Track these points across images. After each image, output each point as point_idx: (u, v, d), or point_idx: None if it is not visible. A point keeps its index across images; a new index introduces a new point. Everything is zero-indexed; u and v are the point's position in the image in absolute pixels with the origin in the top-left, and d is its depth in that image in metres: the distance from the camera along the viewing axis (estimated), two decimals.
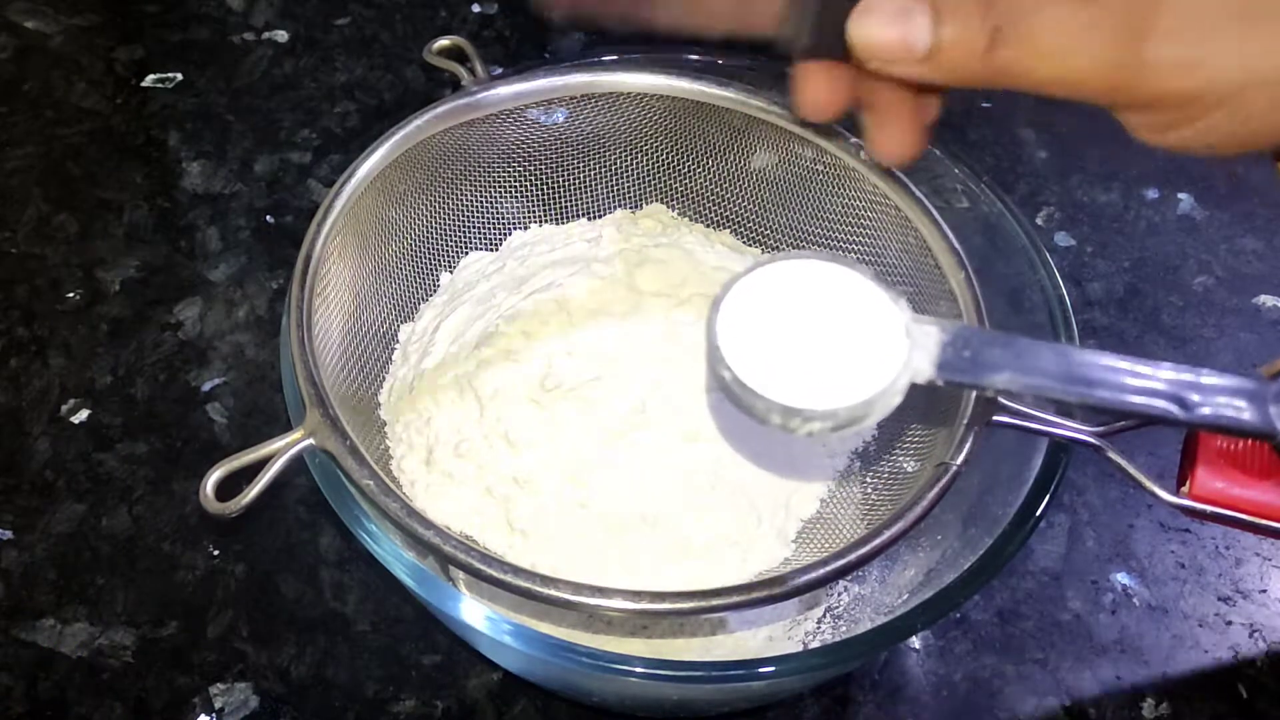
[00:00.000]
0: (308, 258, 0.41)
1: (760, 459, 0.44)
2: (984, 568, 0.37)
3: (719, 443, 0.44)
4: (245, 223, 0.61)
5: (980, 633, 0.48)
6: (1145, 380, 0.30)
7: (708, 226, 0.52)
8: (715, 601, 0.35)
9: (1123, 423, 0.38)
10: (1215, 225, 0.63)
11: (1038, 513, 0.38)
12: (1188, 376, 0.30)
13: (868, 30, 0.31)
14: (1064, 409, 0.40)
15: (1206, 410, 0.30)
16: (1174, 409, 0.30)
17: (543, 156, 0.50)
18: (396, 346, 0.48)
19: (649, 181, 0.51)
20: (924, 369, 0.31)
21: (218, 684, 0.46)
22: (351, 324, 0.44)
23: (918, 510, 0.37)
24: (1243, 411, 0.29)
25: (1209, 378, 0.30)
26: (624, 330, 0.44)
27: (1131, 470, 0.37)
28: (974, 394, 0.39)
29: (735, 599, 0.35)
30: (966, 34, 0.30)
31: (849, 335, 0.31)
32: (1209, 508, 0.35)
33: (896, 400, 0.31)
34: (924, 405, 0.45)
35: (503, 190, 0.50)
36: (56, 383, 0.54)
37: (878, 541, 0.36)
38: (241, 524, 0.50)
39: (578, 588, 0.35)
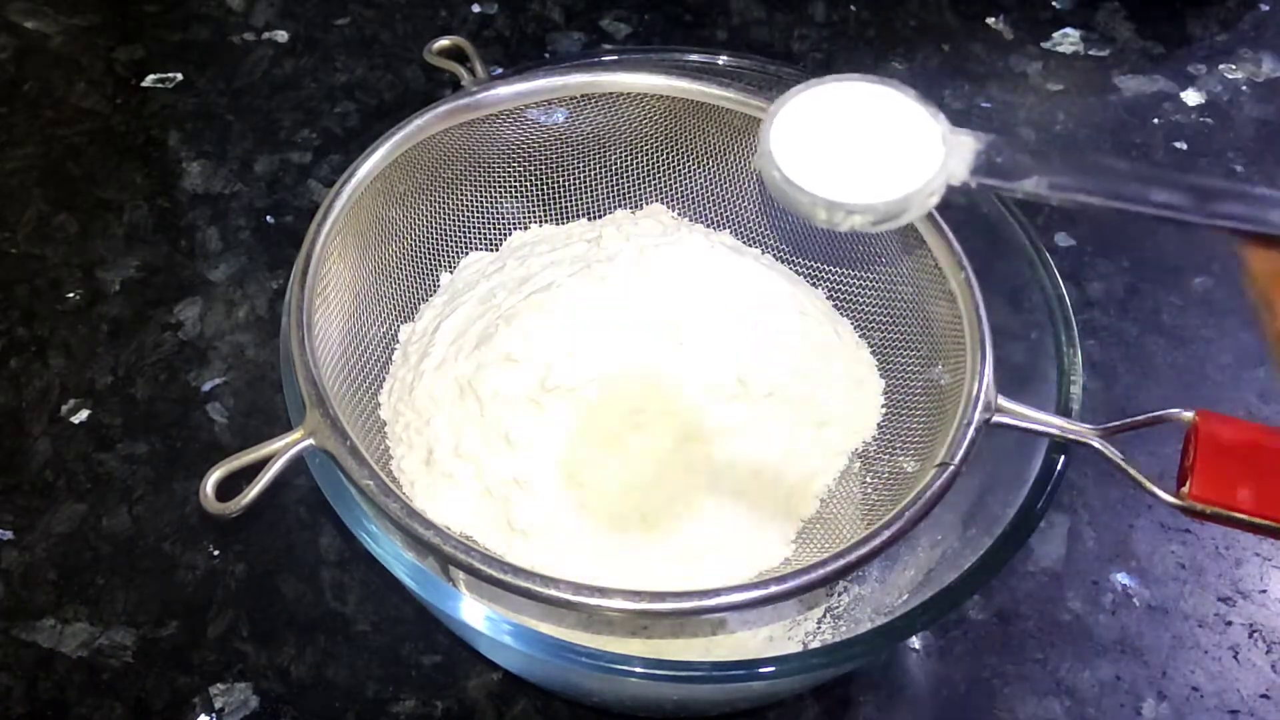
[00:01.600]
0: (308, 258, 0.41)
1: (759, 459, 0.44)
2: (984, 568, 0.37)
3: (719, 443, 0.44)
4: (245, 223, 0.61)
5: (980, 633, 0.48)
6: (1165, 183, 0.32)
7: (708, 226, 0.52)
8: (715, 601, 0.35)
9: (1122, 423, 0.38)
10: None
11: (1038, 513, 0.38)
12: (1207, 182, 0.32)
13: None
14: (1063, 407, 0.40)
15: (1221, 208, 0.32)
16: (1191, 207, 0.32)
17: (543, 156, 0.50)
18: (396, 346, 0.48)
19: (649, 181, 0.51)
20: (959, 172, 0.33)
21: (218, 684, 0.46)
22: (351, 324, 0.45)
23: (918, 510, 0.37)
24: (1254, 213, 0.32)
25: (1225, 183, 0.32)
26: (624, 330, 0.44)
27: (1131, 470, 0.37)
28: (974, 390, 0.39)
29: (735, 599, 0.35)
30: None
31: (890, 143, 0.34)
32: (1209, 508, 0.35)
33: (933, 201, 0.33)
34: (923, 405, 0.45)
35: (503, 190, 0.50)
36: (56, 383, 0.54)
37: (878, 541, 0.36)
38: (241, 524, 0.50)
39: (578, 588, 0.35)
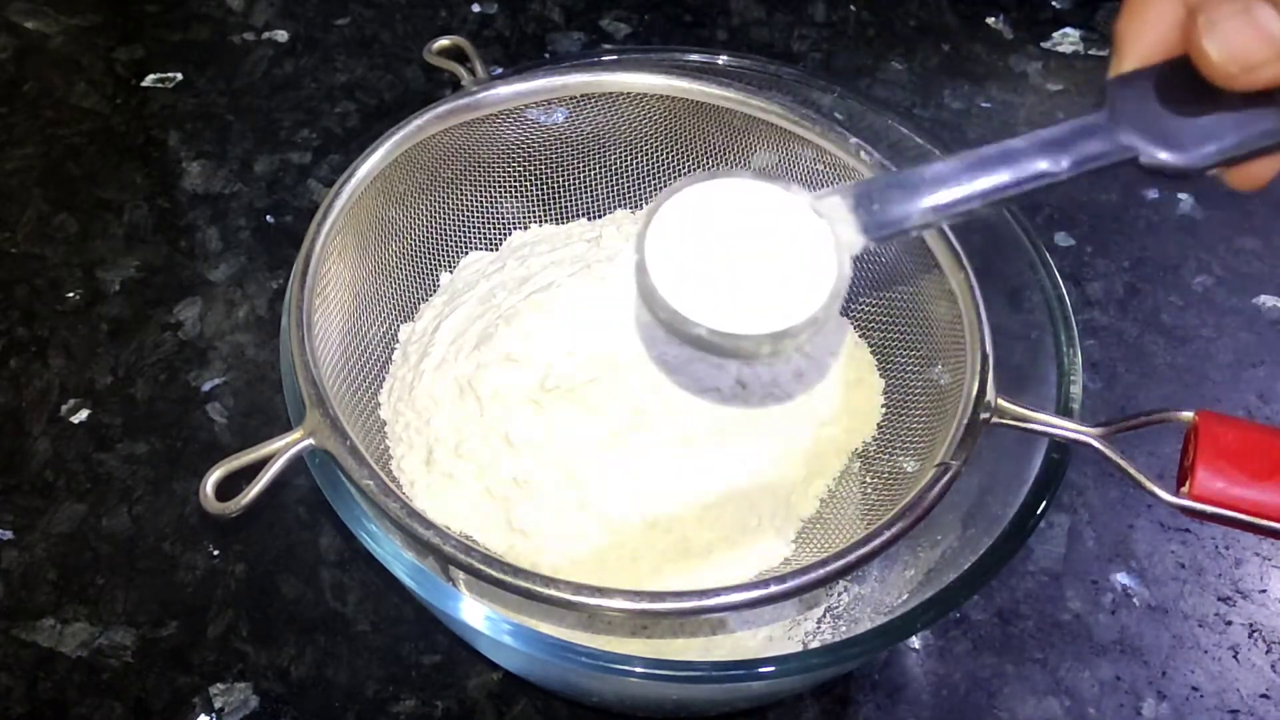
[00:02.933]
0: (308, 258, 0.41)
1: (759, 459, 0.44)
2: (984, 568, 0.37)
3: (718, 443, 0.44)
4: (245, 223, 0.61)
5: (980, 633, 0.48)
6: (1018, 158, 0.32)
7: None
8: (715, 601, 0.35)
9: (1122, 423, 0.38)
10: (1215, 225, 0.63)
11: (1038, 513, 0.38)
12: (1045, 135, 0.32)
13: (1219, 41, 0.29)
14: (1063, 407, 0.40)
15: (1071, 160, 0.31)
16: (1052, 169, 0.31)
17: (543, 156, 0.50)
18: (396, 346, 0.48)
19: (649, 181, 0.51)
20: (853, 239, 0.32)
21: (218, 684, 0.46)
22: (351, 324, 0.45)
23: (918, 510, 0.37)
24: (1099, 147, 0.31)
25: (1059, 129, 0.32)
26: (624, 331, 0.44)
27: (1131, 470, 0.37)
28: (974, 390, 0.39)
29: (735, 599, 0.35)
30: None
31: (776, 242, 0.32)
32: (1209, 508, 0.35)
33: (849, 276, 0.32)
34: (923, 405, 0.45)
35: (503, 190, 0.50)
36: (56, 383, 0.54)
37: (878, 541, 0.36)
38: (241, 524, 0.50)
39: (578, 588, 0.35)
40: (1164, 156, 0.31)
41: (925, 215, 0.32)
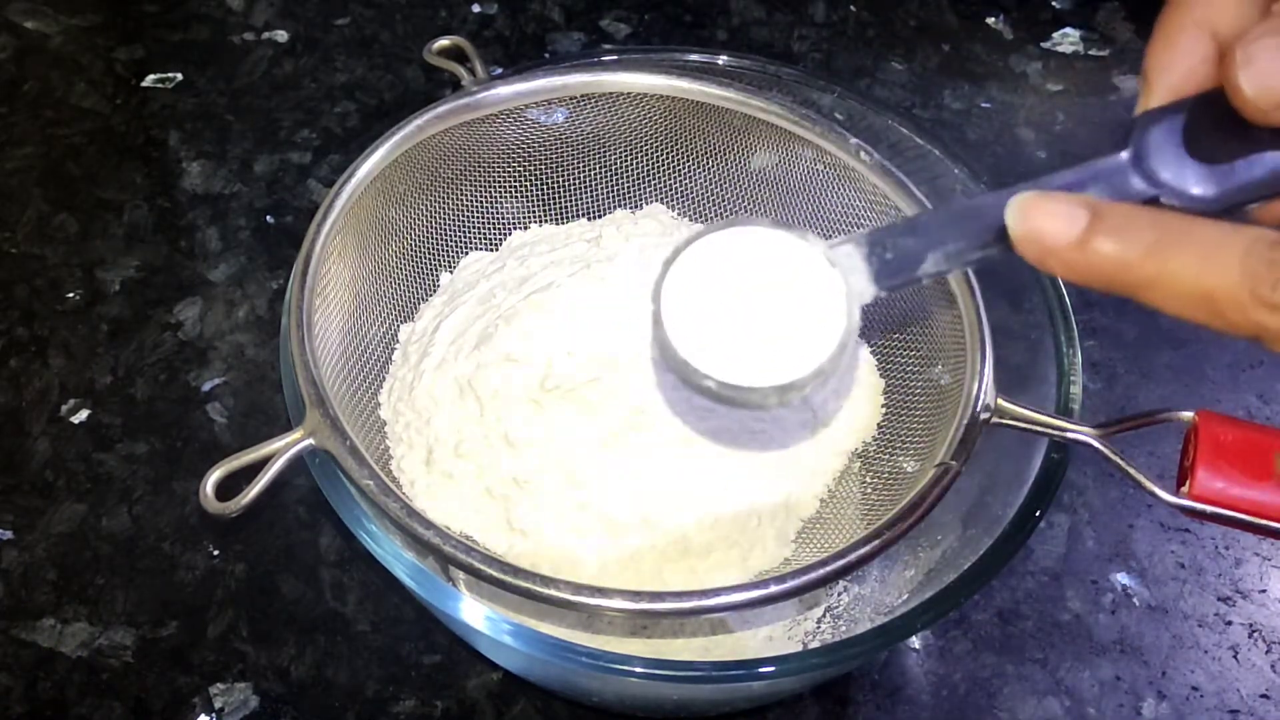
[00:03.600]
0: (308, 258, 0.41)
1: (759, 459, 0.44)
2: (984, 568, 0.37)
3: (718, 443, 0.44)
4: (245, 223, 0.61)
5: (980, 633, 0.48)
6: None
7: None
8: (715, 601, 0.35)
9: (1122, 423, 0.38)
10: None
11: (1038, 513, 0.38)
12: (1059, 179, 0.31)
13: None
14: (1063, 407, 0.40)
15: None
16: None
17: (543, 156, 0.50)
18: (396, 346, 0.48)
19: (649, 181, 0.51)
20: (864, 288, 0.32)
21: (218, 684, 0.46)
22: (351, 324, 0.45)
23: (918, 510, 0.37)
24: (1117, 191, 0.30)
25: (1077, 172, 0.31)
26: (624, 331, 0.44)
27: (1131, 470, 0.37)
28: (974, 390, 0.39)
29: (735, 599, 0.35)
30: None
31: (788, 292, 0.32)
32: (1209, 508, 0.35)
33: (858, 326, 0.32)
34: (923, 405, 0.45)
35: (503, 190, 0.50)
36: (56, 383, 0.54)
37: (878, 541, 0.36)
38: (241, 524, 0.50)
39: (578, 588, 0.35)
40: (1192, 192, 0.30)
41: (938, 263, 0.32)
